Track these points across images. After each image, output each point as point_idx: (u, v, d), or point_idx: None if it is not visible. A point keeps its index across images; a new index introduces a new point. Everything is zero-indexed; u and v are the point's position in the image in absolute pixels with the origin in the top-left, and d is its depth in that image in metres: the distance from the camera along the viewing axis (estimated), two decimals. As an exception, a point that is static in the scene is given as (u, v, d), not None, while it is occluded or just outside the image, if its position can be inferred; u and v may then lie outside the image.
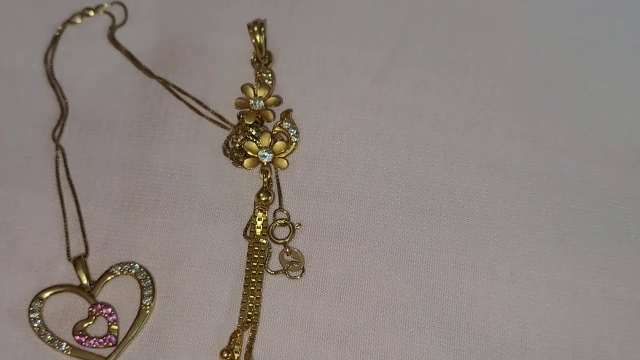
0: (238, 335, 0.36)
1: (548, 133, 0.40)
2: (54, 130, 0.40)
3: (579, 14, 0.45)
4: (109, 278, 0.37)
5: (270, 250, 0.38)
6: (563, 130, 0.40)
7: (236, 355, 0.35)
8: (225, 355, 0.35)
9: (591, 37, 0.43)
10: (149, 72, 0.42)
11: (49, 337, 0.36)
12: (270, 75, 0.41)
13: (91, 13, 0.42)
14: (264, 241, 0.37)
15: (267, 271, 0.37)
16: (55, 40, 0.42)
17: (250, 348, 0.35)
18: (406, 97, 0.41)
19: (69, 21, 0.43)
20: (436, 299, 0.36)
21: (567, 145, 0.40)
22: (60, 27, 0.43)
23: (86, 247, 0.38)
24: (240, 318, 0.36)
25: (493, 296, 0.37)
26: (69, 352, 0.36)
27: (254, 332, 0.36)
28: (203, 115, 0.40)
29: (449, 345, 0.35)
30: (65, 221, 0.38)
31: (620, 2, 0.45)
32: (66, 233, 0.38)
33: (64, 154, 0.40)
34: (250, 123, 0.39)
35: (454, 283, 0.37)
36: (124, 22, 0.43)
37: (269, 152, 0.39)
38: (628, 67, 0.43)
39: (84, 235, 0.38)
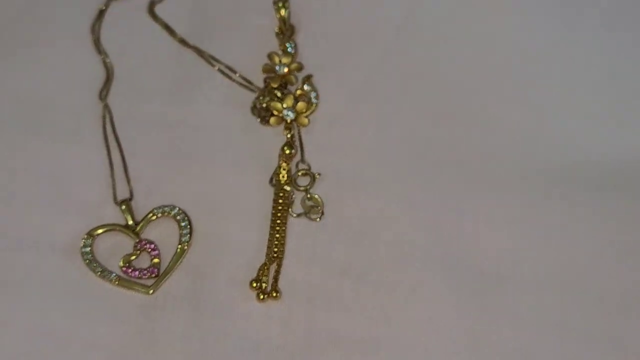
0: (265, 268, 0.40)
1: None
2: (101, 91, 0.44)
3: None
4: (152, 218, 0.41)
5: (294, 196, 0.42)
6: None
7: (264, 285, 0.40)
8: (255, 284, 0.40)
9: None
10: (184, 42, 0.46)
11: (99, 269, 0.40)
12: (293, 45, 0.45)
13: (126, -8, 0.48)
14: (288, 188, 0.42)
15: (291, 214, 0.42)
16: (101, 13, 0.47)
17: (276, 279, 0.40)
18: (417, 66, 0.46)
19: None
20: (438, 239, 0.41)
21: None
22: (105, 2, 0.48)
23: (131, 192, 0.42)
24: (267, 254, 0.41)
25: (489, 237, 0.42)
26: (117, 283, 0.40)
27: (279, 265, 0.41)
28: (233, 80, 0.45)
29: (449, 278, 0.40)
30: (112, 170, 0.43)
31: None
32: (112, 180, 0.42)
33: (110, 112, 0.44)
34: (276, 86, 0.44)
35: (455, 226, 0.41)
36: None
37: (292, 112, 0.43)
38: None
39: (128, 182, 0.42)
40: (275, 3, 0.45)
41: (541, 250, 0.41)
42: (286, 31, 0.46)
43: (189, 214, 0.41)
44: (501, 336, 0.39)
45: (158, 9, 0.47)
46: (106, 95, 0.44)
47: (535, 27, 0.47)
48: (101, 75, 0.45)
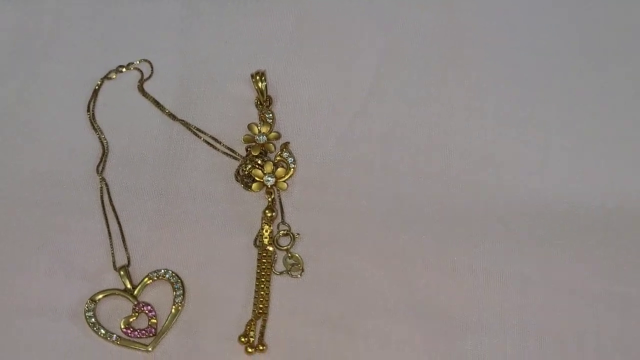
0: (252, 323, 0.44)
1: None
2: (98, 166, 0.49)
3: None
4: (147, 282, 0.46)
5: (276, 256, 0.47)
6: None
7: (251, 339, 0.44)
8: (243, 339, 0.44)
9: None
10: (172, 116, 0.50)
11: (102, 331, 0.44)
12: (271, 115, 0.50)
13: (123, 69, 0.52)
14: (271, 248, 0.46)
15: (274, 272, 0.46)
16: (95, 93, 0.51)
17: (262, 333, 0.44)
18: (383, 129, 0.50)
19: (106, 77, 0.52)
20: (408, 289, 0.45)
21: None
22: (99, 82, 0.52)
23: (128, 259, 0.46)
24: (253, 310, 0.45)
25: (455, 287, 0.46)
26: (119, 342, 0.44)
27: (264, 320, 0.45)
28: (217, 149, 0.50)
29: (419, 324, 0.44)
30: (110, 239, 0.47)
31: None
32: (111, 248, 0.46)
33: (106, 185, 0.49)
34: (256, 154, 0.48)
35: (423, 277, 0.46)
36: (150, 76, 0.51)
37: (272, 177, 0.47)
38: None
39: (126, 250, 0.46)
40: (253, 76, 0.50)
41: (504, 297, 0.45)
42: (264, 102, 0.50)
43: (181, 275, 0.46)
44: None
45: (147, 86, 0.51)
46: (102, 169, 0.48)
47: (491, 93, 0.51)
48: (97, 150, 0.49)
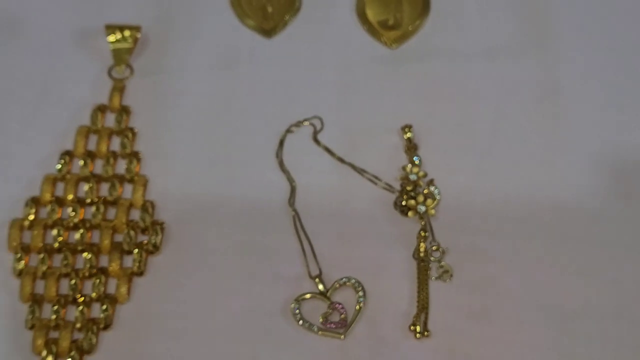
0: (417, 316, 0.60)
1: None
2: (289, 199, 0.64)
3: None
4: (337, 286, 0.60)
5: (430, 265, 0.62)
6: None
7: (418, 327, 0.59)
8: (412, 328, 0.59)
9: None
10: (341, 160, 0.66)
11: (306, 324, 0.60)
12: (418, 158, 0.65)
13: (302, 124, 0.67)
14: (425, 260, 0.62)
15: (430, 278, 0.61)
16: (281, 142, 0.67)
17: (425, 323, 0.59)
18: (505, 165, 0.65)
19: (288, 130, 0.67)
20: (538, 290, 0.59)
21: None
22: (283, 134, 0.67)
23: (319, 269, 0.61)
24: (417, 306, 0.60)
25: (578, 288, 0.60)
26: (319, 333, 0.60)
27: (426, 313, 0.59)
28: (378, 185, 0.65)
29: (546, 319, 0.59)
30: (304, 254, 0.62)
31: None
32: (306, 261, 0.61)
33: (297, 213, 0.64)
34: (410, 189, 0.64)
35: (549, 279, 0.60)
36: (321, 129, 0.65)
37: (423, 206, 0.63)
38: None
39: (316, 262, 0.61)
40: (402, 129, 0.65)
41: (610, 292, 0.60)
42: (411, 148, 0.65)
43: (361, 281, 0.61)
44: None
45: (319, 136, 0.66)
46: (293, 202, 0.64)
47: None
48: (286, 187, 0.64)
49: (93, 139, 0.65)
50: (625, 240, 0.61)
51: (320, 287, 0.60)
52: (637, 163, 0.64)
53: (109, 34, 0.68)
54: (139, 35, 0.68)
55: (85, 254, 0.61)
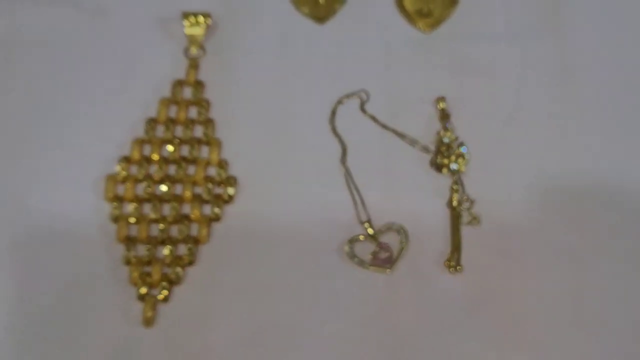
0: (452, 254, 0.71)
1: None
2: (341, 158, 0.75)
3: None
4: (383, 230, 0.70)
5: (462, 213, 0.73)
6: None
7: (452, 263, 0.70)
8: (446, 263, 0.70)
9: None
10: (384, 126, 0.77)
11: (357, 260, 0.70)
12: (451, 124, 0.76)
13: (351, 96, 0.78)
14: (457, 208, 0.73)
15: (461, 223, 0.73)
16: (333, 112, 0.77)
17: (458, 260, 0.68)
18: (530, 134, 0.77)
19: (339, 101, 0.77)
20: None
21: None
22: (335, 105, 0.78)
23: (368, 216, 0.72)
24: (451, 245, 0.70)
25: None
26: (369, 267, 0.70)
27: (459, 252, 0.70)
28: (416, 147, 0.76)
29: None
30: (355, 204, 0.73)
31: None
32: (356, 210, 0.72)
33: (348, 171, 0.75)
34: (444, 150, 0.75)
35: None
36: (367, 100, 0.76)
37: (455, 164, 0.74)
38: None
39: (365, 210, 0.72)
40: (436, 100, 0.77)
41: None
42: (444, 116, 0.77)
43: (403, 225, 0.72)
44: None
45: (366, 107, 0.78)
46: (345, 161, 0.75)
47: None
48: (338, 149, 0.76)
49: (173, 108, 0.77)
50: None
51: (370, 230, 0.71)
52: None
53: (185, 19, 0.79)
54: (209, 21, 0.79)
55: (171, 203, 0.72)
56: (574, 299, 0.67)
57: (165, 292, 0.68)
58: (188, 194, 0.72)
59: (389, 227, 0.70)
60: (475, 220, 0.71)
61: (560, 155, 0.73)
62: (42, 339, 0.66)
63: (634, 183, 0.71)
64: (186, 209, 0.72)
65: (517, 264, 0.69)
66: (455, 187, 0.72)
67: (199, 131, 0.75)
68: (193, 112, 0.76)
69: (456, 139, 0.74)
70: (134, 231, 0.71)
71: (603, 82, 0.76)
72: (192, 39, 0.79)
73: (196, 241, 0.70)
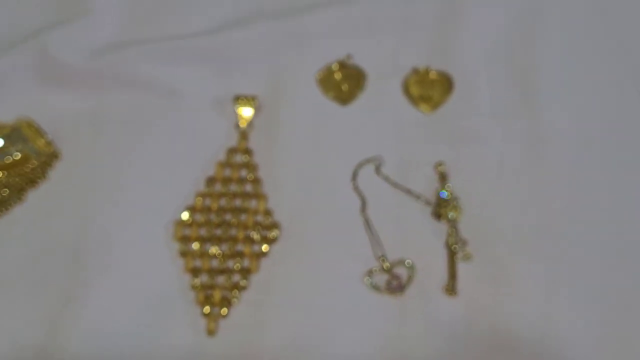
0: (449, 282, 0.90)
1: None
2: (361, 210, 0.95)
3: None
4: (395, 263, 0.89)
5: (457, 251, 0.92)
6: None
7: (449, 288, 0.90)
8: (445, 289, 0.89)
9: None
10: (395, 184, 0.97)
11: (375, 287, 0.86)
12: (450, 187, 0.96)
13: (368, 162, 0.99)
14: (453, 248, 0.92)
15: (456, 258, 0.92)
16: (354, 173, 0.97)
17: (454, 286, 0.89)
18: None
19: (359, 165, 0.99)
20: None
21: None
22: (356, 168, 0.99)
23: (383, 252, 0.92)
24: (448, 276, 0.90)
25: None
26: (384, 292, 0.88)
27: (455, 281, 0.90)
28: (421, 202, 0.96)
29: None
30: (373, 244, 0.93)
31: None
32: (374, 249, 0.93)
33: (367, 219, 0.95)
34: (442, 203, 0.95)
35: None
36: (381, 164, 0.97)
37: (451, 214, 0.94)
38: None
39: (381, 248, 0.93)
40: (436, 164, 0.97)
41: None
42: (443, 177, 0.96)
43: (411, 260, 0.91)
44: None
45: (381, 170, 0.98)
46: (364, 211, 0.94)
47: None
48: (359, 202, 0.95)
49: (228, 170, 0.97)
50: None
51: (384, 264, 0.90)
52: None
53: (236, 101, 1.00)
54: (256, 103, 1.00)
55: (227, 242, 0.91)
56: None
57: (225, 310, 0.87)
58: (241, 234, 0.91)
59: (399, 262, 0.86)
60: (467, 256, 0.90)
61: (533, 207, 0.92)
62: (130, 344, 0.85)
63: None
64: (239, 247, 0.91)
65: (504, 288, 0.87)
66: (451, 231, 0.91)
67: (248, 187, 0.95)
68: (243, 173, 0.96)
69: (451, 194, 0.94)
70: (198, 263, 0.90)
71: (572, 153, 0.90)
72: (242, 116, 0.99)
73: (248, 271, 0.89)
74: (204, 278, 0.86)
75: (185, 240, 0.87)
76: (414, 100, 0.96)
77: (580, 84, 0.98)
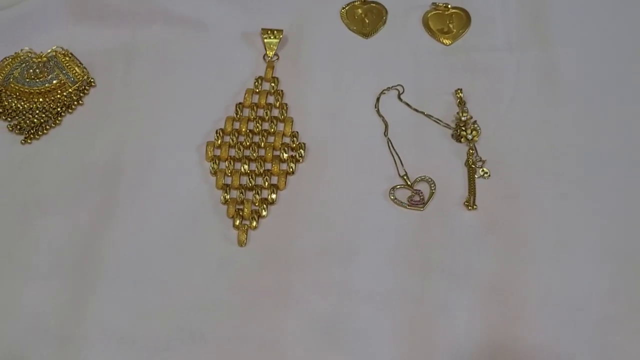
0: (469, 196, 0.94)
1: None
2: (384, 132, 1.00)
3: None
4: (418, 180, 0.92)
5: (476, 169, 0.96)
6: None
7: (469, 203, 0.94)
8: (465, 203, 0.94)
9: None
10: (416, 110, 1.00)
11: (398, 202, 0.92)
12: (467, 109, 1.01)
13: (390, 89, 1.03)
14: (473, 166, 0.96)
15: (476, 176, 0.96)
16: (377, 99, 1.00)
17: (474, 201, 0.93)
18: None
19: (382, 92, 1.01)
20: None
21: None
22: (379, 94, 1.03)
23: (405, 171, 0.96)
24: (468, 191, 0.94)
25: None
26: (408, 207, 0.93)
27: (474, 196, 0.93)
28: (440, 124, 1.00)
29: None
30: (396, 163, 0.97)
31: None
32: (396, 166, 0.96)
33: (390, 141, 1.00)
34: (462, 125, 0.99)
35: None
36: (402, 92, 1.01)
37: (470, 135, 0.98)
38: None
39: (402, 166, 0.96)
40: (455, 91, 1.01)
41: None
42: (462, 102, 1.00)
43: (432, 177, 0.95)
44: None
45: (402, 96, 1.02)
46: (387, 133, 0.99)
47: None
48: (381, 125, 0.99)
49: (256, 97, 1.01)
50: None
51: (407, 181, 0.95)
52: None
53: (263, 34, 1.05)
54: (281, 35, 1.05)
55: (256, 162, 0.96)
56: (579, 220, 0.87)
57: (254, 223, 0.91)
58: (269, 155, 0.96)
59: (421, 179, 0.92)
60: (486, 174, 0.94)
61: (546, 130, 0.96)
62: (165, 254, 0.89)
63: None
64: (268, 166, 0.95)
65: (520, 201, 0.91)
66: (470, 151, 0.96)
67: (275, 112, 1.00)
68: (271, 99, 1.01)
69: (471, 117, 0.98)
70: (228, 181, 0.94)
71: (582, 82, 0.95)
72: (269, 47, 1.04)
73: (276, 188, 0.94)
74: (234, 194, 0.88)
75: (216, 159, 0.90)
76: (434, 33, 1.00)
77: (592, 17, 1.03)
